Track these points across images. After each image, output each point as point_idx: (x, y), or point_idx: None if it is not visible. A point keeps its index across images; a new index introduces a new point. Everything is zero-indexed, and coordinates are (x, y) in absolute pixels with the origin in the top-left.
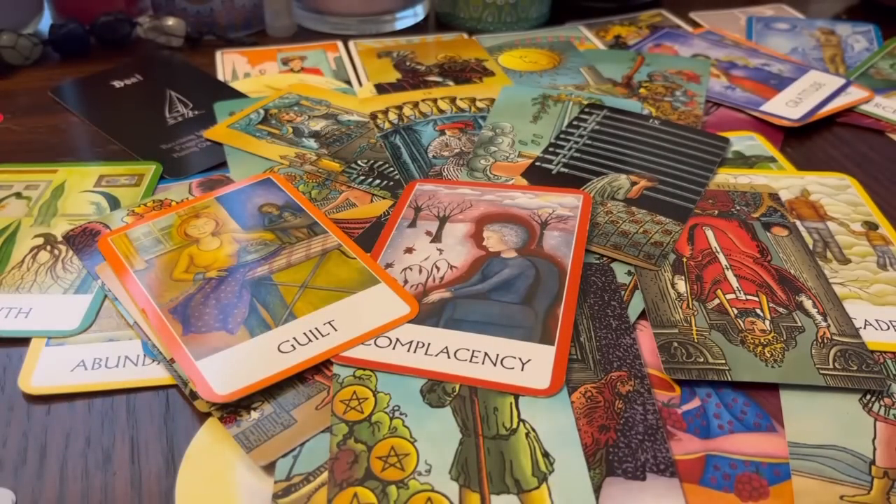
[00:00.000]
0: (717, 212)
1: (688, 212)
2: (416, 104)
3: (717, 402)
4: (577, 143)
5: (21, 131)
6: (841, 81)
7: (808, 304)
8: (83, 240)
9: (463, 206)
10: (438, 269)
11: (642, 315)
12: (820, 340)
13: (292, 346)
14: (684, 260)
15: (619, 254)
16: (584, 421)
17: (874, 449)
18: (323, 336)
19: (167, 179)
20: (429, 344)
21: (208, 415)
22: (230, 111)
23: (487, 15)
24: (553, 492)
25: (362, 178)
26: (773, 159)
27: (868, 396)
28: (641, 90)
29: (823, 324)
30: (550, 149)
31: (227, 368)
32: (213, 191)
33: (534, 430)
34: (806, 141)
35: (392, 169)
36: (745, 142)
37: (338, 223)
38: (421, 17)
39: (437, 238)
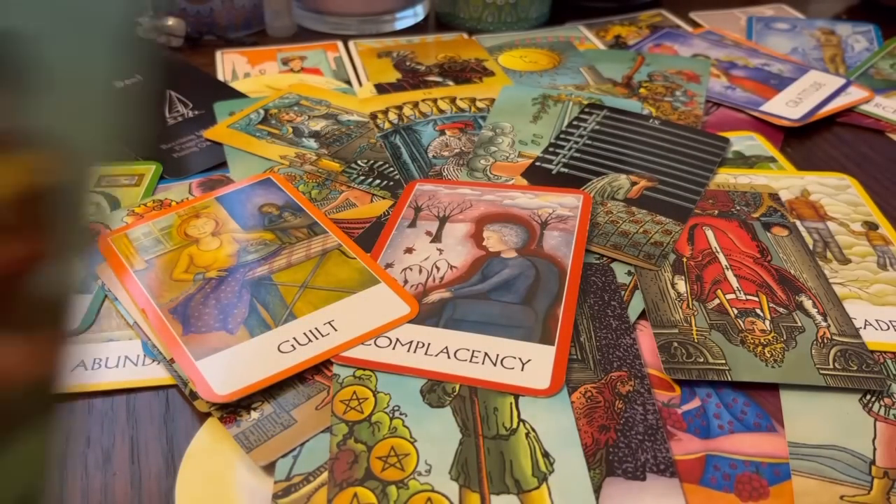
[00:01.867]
0: (717, 212)
1: (688, 212)
2: (416, 104)
3: (717, 402)
4: (577, 143)
5: None
6: (841, 81)
7: (808, 304)
8: None
9: (463, 206)
10: (438, 269)
11: (642, 315)
12: (820, 340)
13: (292, 346)
14: (684, 260)
15: (619, 254)
16: (584, 421)
17: (874, 449)
18: (323, 336)
19: (167, 179)
20: (429, 344)
21: (208, 415)
22: (230, 111)
23: (487, 15)
24: (553, 492)
25: (362, 178)
26: (773, 159)
27: (868, 396)
28: (641, 90)
29: (823, 324)
30: (550, 149)
31: (226, 368)
32: (213, 191)
33: (534, 430)
34: (806, 141)
35: (392, 169)
36: (745, 142)
37: (338, 223)
38: (421, 17)
39: (437, 238)
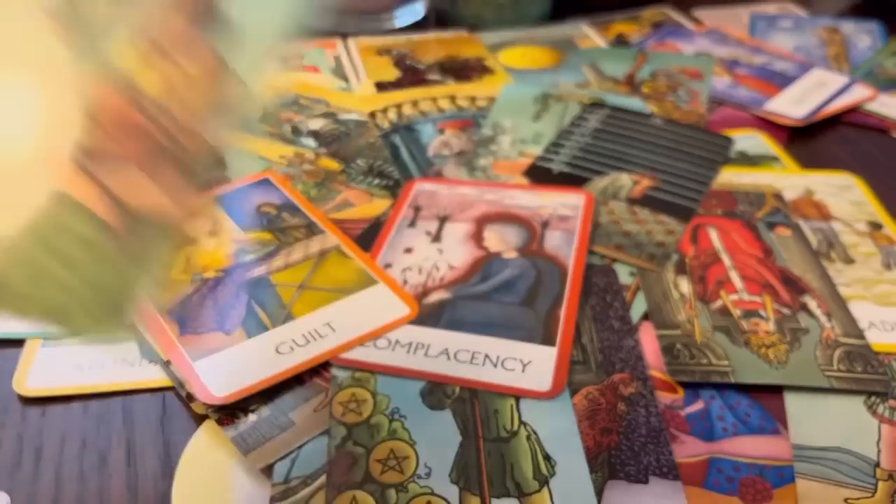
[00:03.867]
0: (720, 211)
1: (691, 211)
2: (415, 102)
3: (720, 404)
4: (578, 141)
5: None
6: (845, 80)
7: (812, 304)
8: None
9: (463, 206)
10: (438, 269)
11: (645, 316)
12: (824, 342)
13: (290, 347)
14: (687, 260)
15: (622, 254)
16: (585, 423)
17: (878, 451)
18: (321, 337)
19: None
20: (428, 345)
21: (205, 417)
22: None
23: (488, 12)
24: (554, 495)
25: (361, 177)
26: (776, 158)
27: (873, 398)
28: (644, 88)
29: (828, 325)
30: (552, 148)
31: (224, 370)
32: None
33: (535, 432)
34: (810, 140)
35: (391, 168)
36: (749, 140)
37: (337, 223)
38: (421, 14)
39: (437, 238)
